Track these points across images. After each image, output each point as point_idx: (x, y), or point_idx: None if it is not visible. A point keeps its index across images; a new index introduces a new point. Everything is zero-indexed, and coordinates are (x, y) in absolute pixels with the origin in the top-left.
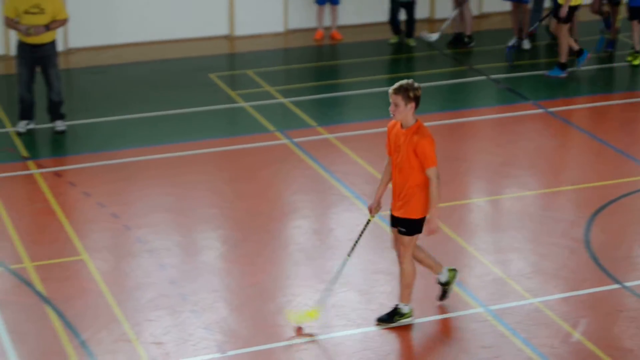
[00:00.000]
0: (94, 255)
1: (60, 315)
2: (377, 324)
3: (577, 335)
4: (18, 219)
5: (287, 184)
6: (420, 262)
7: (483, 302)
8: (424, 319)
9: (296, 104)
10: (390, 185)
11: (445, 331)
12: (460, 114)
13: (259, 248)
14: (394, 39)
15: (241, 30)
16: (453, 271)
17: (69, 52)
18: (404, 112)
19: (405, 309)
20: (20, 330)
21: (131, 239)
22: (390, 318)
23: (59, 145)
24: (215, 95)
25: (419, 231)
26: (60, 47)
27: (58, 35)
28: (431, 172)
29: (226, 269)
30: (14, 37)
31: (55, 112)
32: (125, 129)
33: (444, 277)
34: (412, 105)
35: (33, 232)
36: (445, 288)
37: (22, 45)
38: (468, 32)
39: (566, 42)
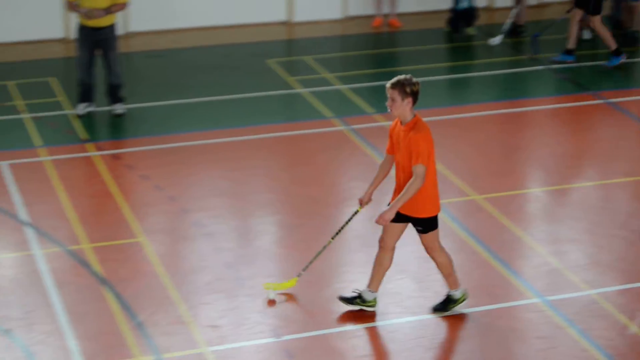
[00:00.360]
0: (151, 237)
1: (117, 296)
2: (433, 313)
3: (634, 328)
4: (76, 200)
5: (344, 171)
6: (378, 266)
7: (539, 292)
8: (478, 308)
9: (353, 90)
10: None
11: (500, 321)
12: (519, 104)
13: (315, 234)
14: (471, 30)
15: (299, 16)
16: (366, 303)
17: (129, 35)
18: (401, 107)
19: (457, 294)
20: (78, 311)
21: (188, 223)
22: (445, 306)
23: (117, 128)
24: (273, 81)
25: (436, 226)
26: (120, 30)
27: (118, 19)
28: (417, 168)
29: (282, 254)
30: (74, 20)
31: (114, 95)
32: (183, 113)
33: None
34: (409, 100)
35: (91, 213)
36: (356, 301)
37: (82, 29)
38: (521, 22)
39: (604, 30)
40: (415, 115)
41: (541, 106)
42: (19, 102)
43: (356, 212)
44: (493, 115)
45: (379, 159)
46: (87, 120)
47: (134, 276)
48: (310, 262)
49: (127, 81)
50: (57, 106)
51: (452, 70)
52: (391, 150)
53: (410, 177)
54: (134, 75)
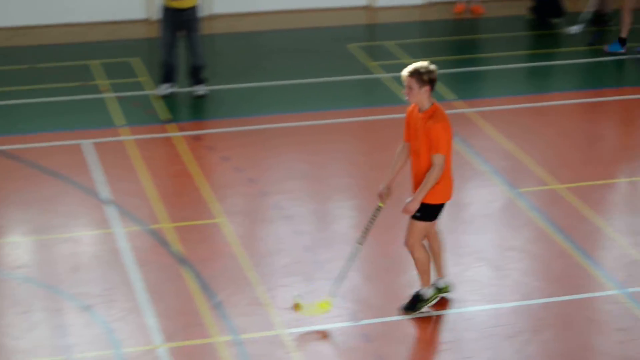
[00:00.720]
0: (230, 218)
1: (196, 276)
2: (403, 313)
3: None
4: (157, 180)
5: None
6: (433, 255)
7: (619, 284)
8: (557, 298)
9: None
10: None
11: (579, 311)
12: (602, 93)
13: (393, 219)
14: (555, 19)
15: (381, 1)
16: (440, 291)
17: (212, 17)
18: (418, 95)
19: (427, 293)
20: (157, 289)
21: (267, 205)
22: (414, 305)
23: (198, 109)
24: (353, 65)
25: (434, 218)
26: (203, 12)
27: (201, 1)
28: (436, 158)
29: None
30: (157, 1)
31: (196, 76)
32: (264, 95)
33: (429, 291)
34: (426, 88)
35: (171, 193)
36: (418, 298)
37: (166, 10)
38: (605, 11)
39: (629, 16)
40: (433, 103)
41: (625, 96)
42: (102, 82)
43: (379, 209)
44: (575, 104)
45: (458, 145)
46: (169, 100)
47: (213, 256)
48: (343, 274)
49: (209, 63)
50: (140, 86)
51: (534, 58)
52: (408, 138)
53: (426, 165)
54: (215, 57)
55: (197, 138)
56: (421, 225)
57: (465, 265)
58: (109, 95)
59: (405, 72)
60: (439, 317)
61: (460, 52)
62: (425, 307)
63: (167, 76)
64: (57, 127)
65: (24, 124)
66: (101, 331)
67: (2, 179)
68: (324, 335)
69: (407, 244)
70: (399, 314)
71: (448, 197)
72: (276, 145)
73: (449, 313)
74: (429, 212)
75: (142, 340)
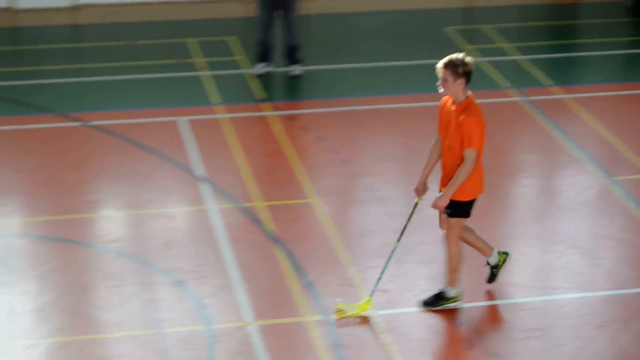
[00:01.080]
0: (322, 199)
1: (288, 255)
2: (422, 307)
3: None
4: (251, 158)
5: (518, 142)
6: (470, 244)
7: None
8: None
9: (531, 61)
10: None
11: None
12: None
13: (485, 204)
14: None
15: None
16: (504, 254)
17: None
18: (453, 88)
19: (451, 292)
20: (248, 267)
21: (359, 186)
22: (436, 301)
23: (293, 89)
24: (449, 48)
25: (466, 214)
26: None
27: None
28: (468, 153)
29: None
30: None
31: (292, 56)
32: (359, 77)
33: (493, 260)
34: (461, 81)
35: (265, 172)
36: (493, 271)
37: None
38: None
39: None
40: (468, 96)
41: None
42: (199, 60)
43: (416, 205)
44: None
45: (554, 131)
46: (265, 80)
47: (305, 236)
48: (382, 274)
49: (305, 43)
50: (235, 65)
51: (633, 45)
52: (441, 130)
53: (457, 158)
54: (311, 37)
55: (291, 118)
56: (453, 221)
57: (558, 252)
58: (205, 73)
59: (440, 63)
60: (530, 303)
61: (558, 37)
62: (445, 306)
63: (263, 55)
64: (154, 104)
65: (121, 100)
66: (192, 307)
67: (98, 153)
68: (414, 318)
69: (445, 239)
70: (419, 307)
71: (478, 192)
72: (370, 127)
73: (541, 300)
74: (458, 209)
75: (233, 317)
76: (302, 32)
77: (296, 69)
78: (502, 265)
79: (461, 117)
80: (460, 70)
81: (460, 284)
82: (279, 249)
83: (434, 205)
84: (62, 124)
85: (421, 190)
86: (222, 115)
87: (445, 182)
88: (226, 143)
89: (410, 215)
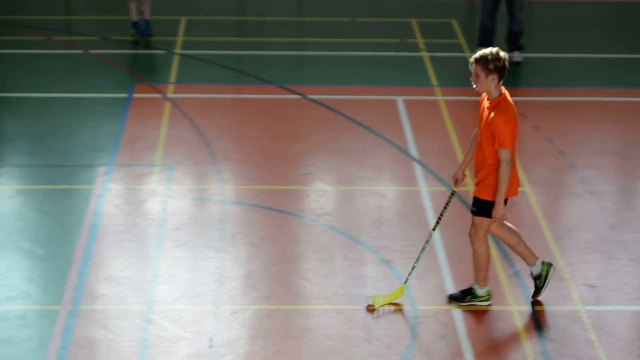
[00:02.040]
0: (536, 189)
1: (496, 242)
2: (449, 302)
3: None
4: (465, 142)
5: None
6: (512, 248)
7: None
8: None
9: None
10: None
11: None
12: None
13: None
14: None
15: None
16: (548, 265)
17: None
18: (485, 84)
19: (479, 291)
20: (457, 251)
21: (575, 178)
22: (463, 297)
23: (514, 75)
24: None
25: (490, 215)
26: None
27: None
28: (501, 153)
29: None
30: None
31: (514, 42)
32: (579, 67)
33: (536, 270)
34: (493, 77)
35: None
36: (537, 282)
37: None
38: None
39: None
40: (501, 93)
41: None
42: (420, 40)
43: (453, 193)
44: None
45: None
46: None
47: (516, 225)
48: (416, 262)
49: (527, 30)
50: (457, 48)
51: None
52: (479, 124)
53: (484, 155)
54: (534, 24)
55: None
56: (478, 220)
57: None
58: (425, 54)
59: (472, 58)
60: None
61: None
62: (473, 304)
63: (485, 40)
64: (373, 82)
65: (340, 76)
66: (398, 286)
67: (315, 127)
68: (622, 317)
69: (471, 237)
70: (446, 302)
71: (510, 194)
72: (589, 120)
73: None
74: (483, 208)
75: (438, 300)
76: (526, 18)
77: (517, 56)
78: (545, 276)
79: (491, 115)
80: (492, 65)
81: (489, 283)
82: (488, 235)
83: (494, 219)
84: (280, 96)
85: (460, 179)
86: (439, 97)
87: (475, 173)
88: (442, 125)
89: (447, 204)
